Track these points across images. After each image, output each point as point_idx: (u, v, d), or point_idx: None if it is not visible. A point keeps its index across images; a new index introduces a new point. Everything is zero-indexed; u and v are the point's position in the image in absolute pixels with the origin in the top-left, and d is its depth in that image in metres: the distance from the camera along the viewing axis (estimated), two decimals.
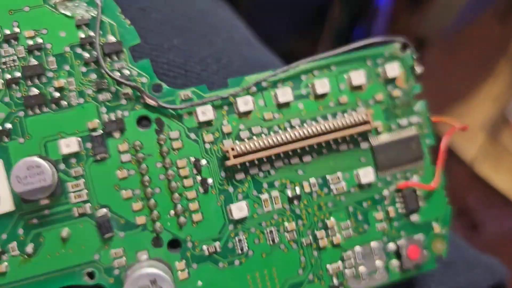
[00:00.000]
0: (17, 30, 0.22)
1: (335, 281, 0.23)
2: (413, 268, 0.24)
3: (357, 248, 0.23)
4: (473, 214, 0.60)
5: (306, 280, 0.23)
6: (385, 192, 0.24)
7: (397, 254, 0.24)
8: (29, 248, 0.22)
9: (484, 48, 0.60)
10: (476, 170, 0.60)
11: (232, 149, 0.22)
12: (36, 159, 0.21)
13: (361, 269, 0.23)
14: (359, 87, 0.24)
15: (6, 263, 0.21)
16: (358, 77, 0.23)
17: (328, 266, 0.23)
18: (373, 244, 0.24)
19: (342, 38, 0.54)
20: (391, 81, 0.25)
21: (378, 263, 0.24)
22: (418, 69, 0.25)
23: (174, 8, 0.29)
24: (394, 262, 0.24)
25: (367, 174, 0.23)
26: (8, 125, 0.22)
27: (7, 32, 0.22)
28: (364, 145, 0.24)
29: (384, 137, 0.24)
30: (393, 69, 0.24)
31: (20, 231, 0.22)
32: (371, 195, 0.24)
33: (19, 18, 0.22)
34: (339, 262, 0.23)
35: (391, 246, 0.24)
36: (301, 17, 0.54)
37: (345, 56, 0.24)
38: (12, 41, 0.22)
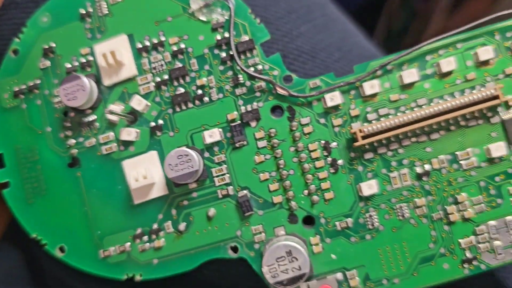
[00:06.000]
0: (163, 38, 0.25)
1: (468, 255, 0.23)
2: None
3: (491, 223, 0.23)
4: None
5: (437, 253, 0.23)
6: None
7: None
8: (182, 226, 0.25)
9: None
10: None
11: (360, 131, 0.23)
12: (185, 148, 0.24)
13: (496, 243, 0.23)
14: (486, 62, 0.23)
15: (163, 239, 0.25)
16: (485, 52, 0.23)
17: (460, 240, 0.23)
18: (509, 218, 0.23)
19: (397, 36, 0.53)
20: None
21: None
22: None
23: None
24: None
25: (498, 148, 0.23)
26: (160, 121, 0.25)
27: (155, 41, 0.25)
28: (494, 120, 0.23)
29: None
30: None
31: (173, 212, 0.25)
32: (504, 169, 0.23)
33: (164, 27, 0.25)
34: (472, 237, 0.23)
35: None
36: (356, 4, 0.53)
37: (471, 32, 0.23)
38: (159, 48, 0.25)
